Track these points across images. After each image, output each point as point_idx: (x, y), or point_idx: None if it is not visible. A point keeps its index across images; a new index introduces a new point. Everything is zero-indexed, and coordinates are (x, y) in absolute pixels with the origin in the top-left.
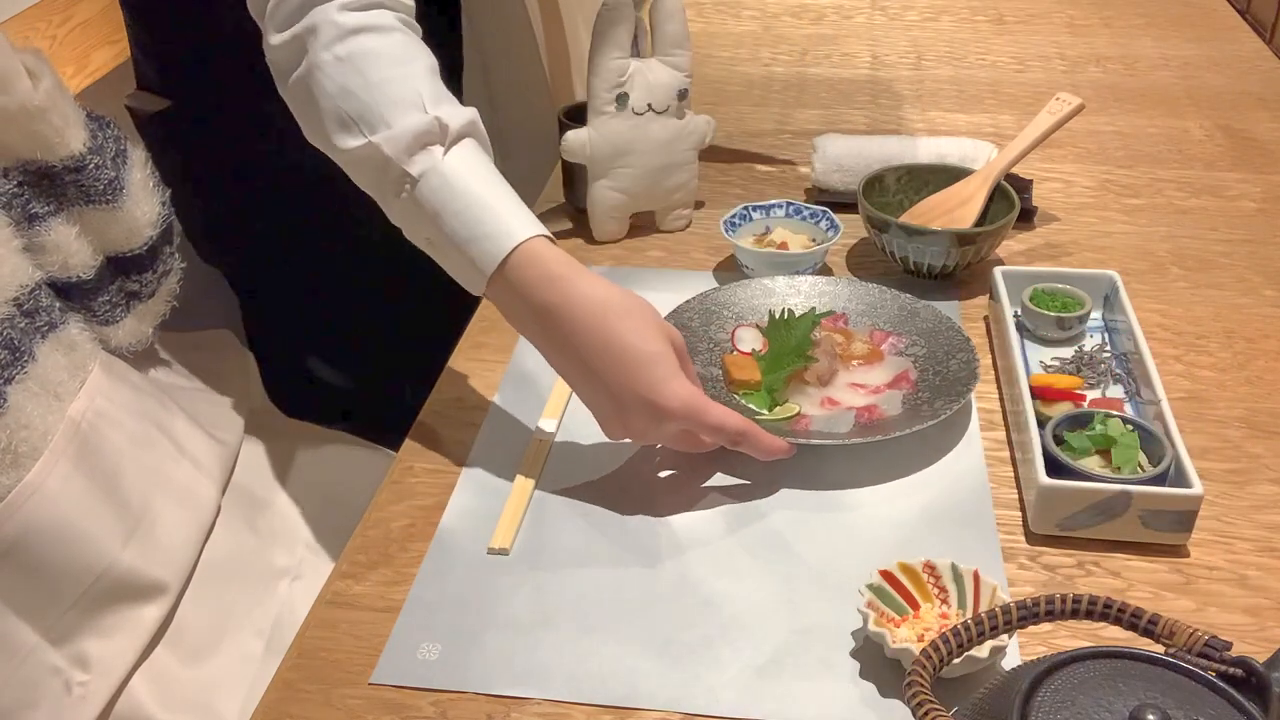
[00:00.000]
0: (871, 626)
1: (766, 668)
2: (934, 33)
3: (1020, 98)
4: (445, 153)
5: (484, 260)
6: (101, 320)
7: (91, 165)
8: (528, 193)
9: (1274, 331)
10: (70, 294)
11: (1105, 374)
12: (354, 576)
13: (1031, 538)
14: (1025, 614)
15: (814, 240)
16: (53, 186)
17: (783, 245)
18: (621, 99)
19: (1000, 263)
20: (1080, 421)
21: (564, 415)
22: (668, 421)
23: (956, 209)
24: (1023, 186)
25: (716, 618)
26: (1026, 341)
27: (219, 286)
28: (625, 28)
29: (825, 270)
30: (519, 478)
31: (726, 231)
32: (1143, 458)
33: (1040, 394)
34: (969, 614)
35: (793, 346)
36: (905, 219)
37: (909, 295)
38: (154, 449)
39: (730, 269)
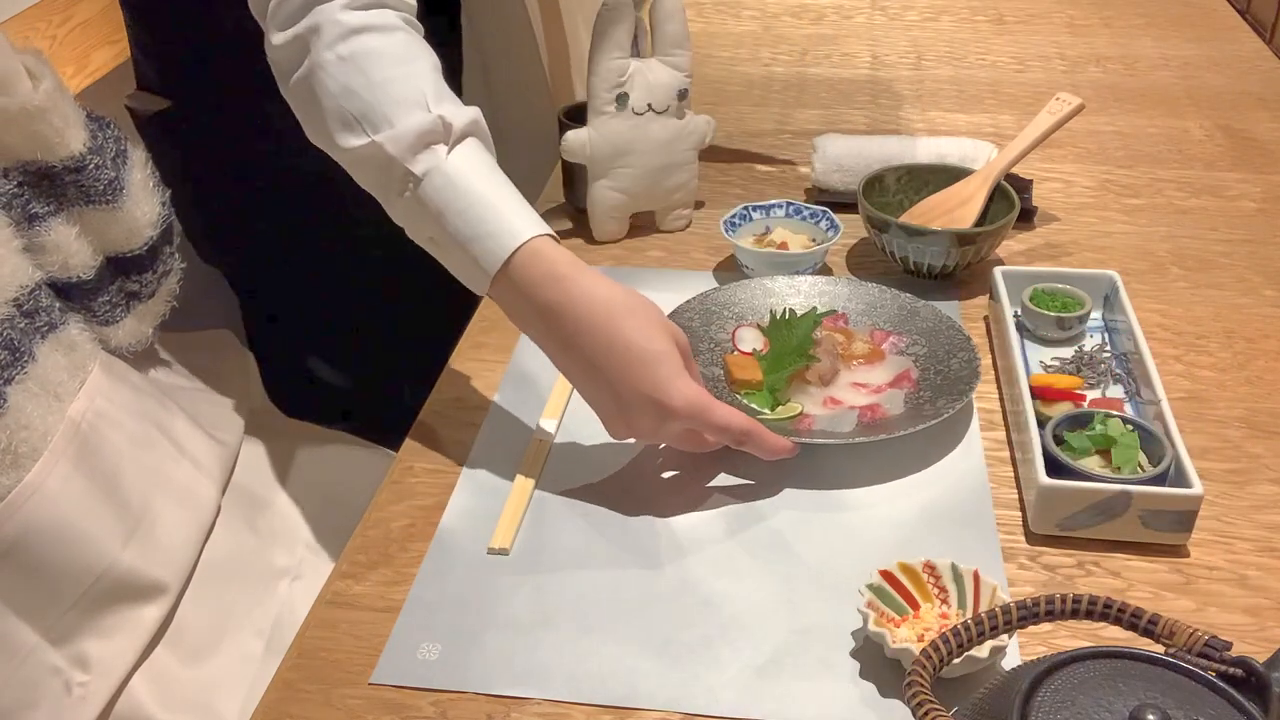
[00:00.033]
0: (871, 626)
1: (766, 668)
2: (934, 33)
3: (1020, 98)
4: (449, 152)
5: (487, 259)
6: (101, 320)
7: (91, 165)
8: (528, 193)
9: (1274, 331)
10: (70, 294)
11: (1105, 374)
12: (354, 576)
13: (1031, 538)
14: (1025, 614)
15: (814, 240)
16: (53, 187)
17: (783, 245)
18: (621, 99)
19: (1000, 263)
20: (1080, 421)
21: (564, 415)
22: (672, 420)
23: (956, 209)
24: (1023, 186)
25: (716, 618)
26: (1026, 341)
27: (219, 286)
28: (625, 28)
29: (825, 270)
30: (519, 478)
31: (726, 231)
32: (1143, 458)
33: (1040, 394)
34: (969, 614)
35: (794, 346)
36: (905, 219)
37: (909, 295)
38: (154, 449)
39: (730, 269)
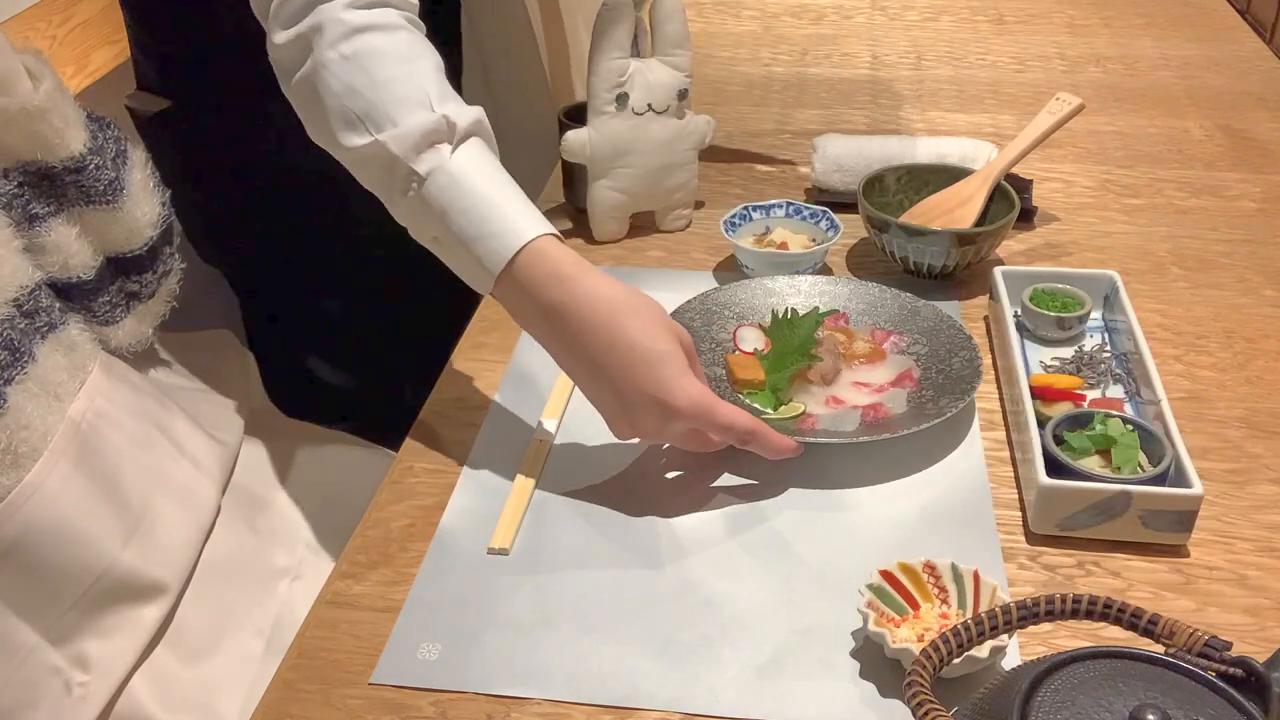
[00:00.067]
0: (871, 626)
1: (766, 668)
2: (934, 33)
3: (1020, 98)
4: (453, 151)
5: (491, 259)
6: (101, 321)
7: (92, 166)
8: (528, 193)
9: (1274, 331)
10: (70, 294)
11: (1105, 374)
12: (354, 576)
13: (1031, 538)
14: (1025, 614)
15: (814, 240)
16: (53, 187)
17: (783, 245)
18: (621, 99)
19: (1000, 263)
20: (1080, 421)
21: (564, 415)
22: (676, 420)
23: (956, 209)
24: (1023, 186)
25: (717, 618)
26: (1026, 341)
27: (219, 286)
28: (625, 28)
29: (825, 270)
30: (519, 478)
31: (726, 231)
32: (1143, 458)
33: (1040, 394)
34: (969, 614)
35: (796, 345)
36: (905, 219)
37: (909, 294)
38: (154, 449)
39: (730, 269)
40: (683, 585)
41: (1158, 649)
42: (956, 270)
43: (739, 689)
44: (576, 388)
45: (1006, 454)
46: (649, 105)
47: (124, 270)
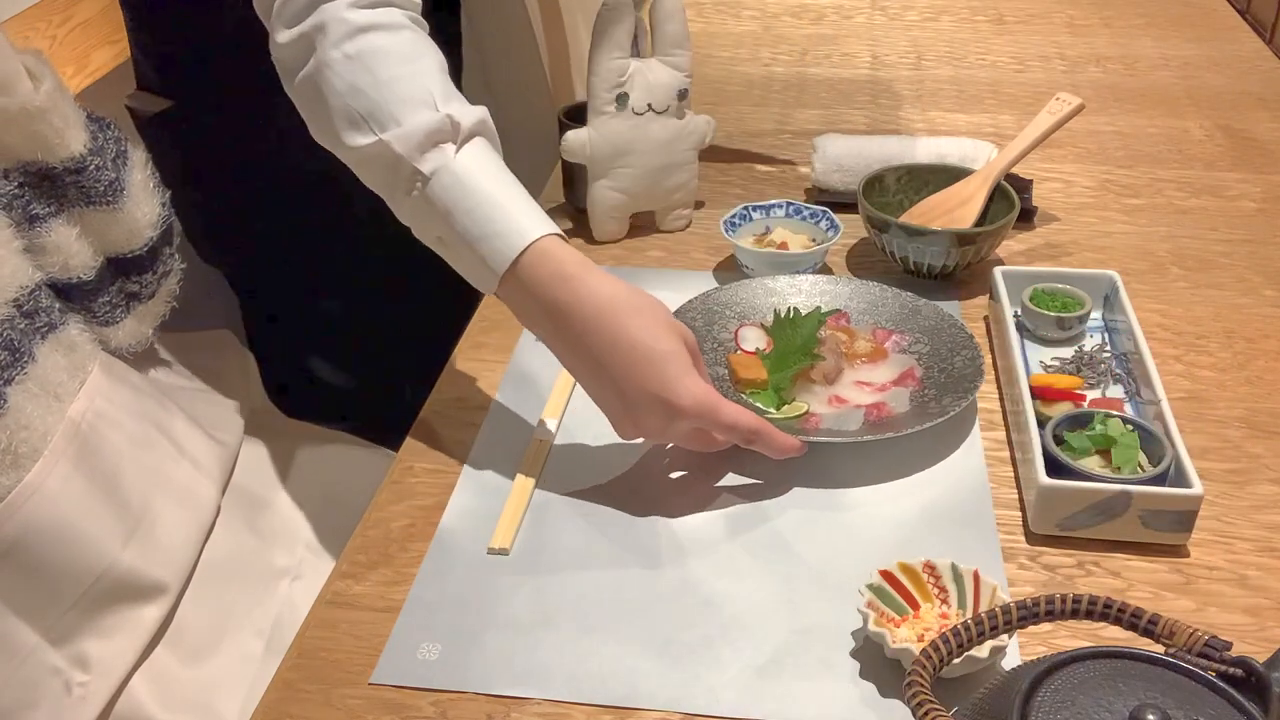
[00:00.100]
0: (871, 626)
1: (766, 668)
2: (934, 33)
3: (1020, 98)
4: (457, 151)
5: (496, 259)
6: (101, 321)
7: (92, 166)
8: (528, 192)
9: (1274, 331)
10: (70, 295)
11: (1105, 374)
12: (354, 576)
13: (1031, 538)
14: (1025, 614)
15: (814, 240)
16: (53, 188)
17: (783, 245)
18: (621, 99)
19: (1000, 263)
20: (1080, 421)
21: (564, 415)
22: (680, 420)
23: (956, 209)
24: (1023, 186)
25: (717, 618)
26: (1026, 341)
27: (219, 286)
28: (625, 28)
29: (825, 270)
30: (519, 477)
31: (726, 231)
32: (1143, 458)
33: (1040, 394)
34: (969, 614)
35: (799, 345)
36: (905, 219)
37: (910, 293)
38: (154, 449)
39: (730, 269)
40: (683, 585)
41: (1158, 649)
42: (956, 270)
43: (739, 689)
44: (577, 387)
45: (1006, 454)
46: (649, 105)
47: (124, 271)
